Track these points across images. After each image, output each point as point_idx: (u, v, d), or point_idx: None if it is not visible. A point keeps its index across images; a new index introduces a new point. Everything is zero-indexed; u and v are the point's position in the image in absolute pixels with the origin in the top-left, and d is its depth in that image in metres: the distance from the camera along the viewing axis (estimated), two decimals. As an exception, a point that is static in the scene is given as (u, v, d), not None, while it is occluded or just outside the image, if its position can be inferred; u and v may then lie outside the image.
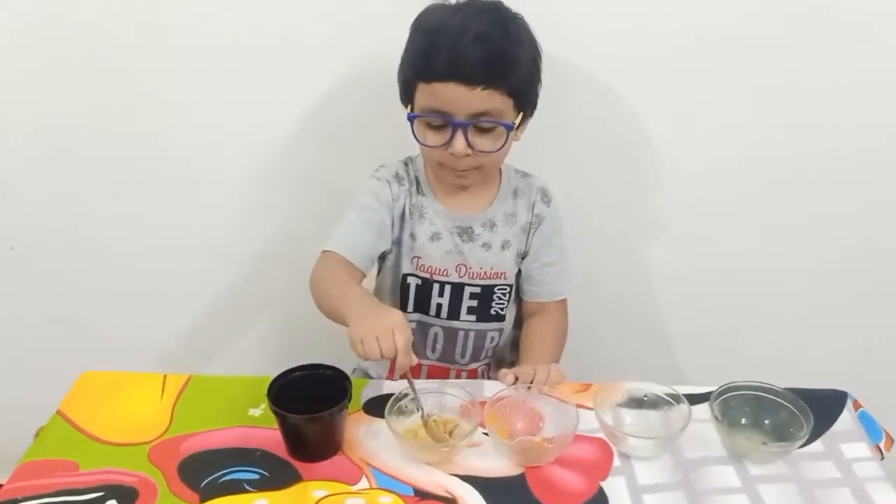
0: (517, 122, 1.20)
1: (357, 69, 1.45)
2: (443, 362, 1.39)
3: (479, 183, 1.29)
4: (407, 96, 1.21)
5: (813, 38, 1.40)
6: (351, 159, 1.46)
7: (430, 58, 1.15)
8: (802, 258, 1.61)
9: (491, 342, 1.38)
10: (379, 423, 1.09)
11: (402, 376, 1.09)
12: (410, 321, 1.35)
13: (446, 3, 1.20)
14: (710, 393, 1.12)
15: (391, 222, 1.30)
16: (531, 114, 1.24)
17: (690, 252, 1.62)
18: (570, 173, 1.49)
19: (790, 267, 1.62)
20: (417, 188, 1.32)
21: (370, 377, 1.41)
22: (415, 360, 1.04)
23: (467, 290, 1.33)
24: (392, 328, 1.02)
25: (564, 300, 1.39)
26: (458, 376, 1.40)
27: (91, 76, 1.46)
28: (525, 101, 1.21)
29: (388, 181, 1.30)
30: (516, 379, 1.17)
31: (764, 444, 1.05)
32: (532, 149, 1.27)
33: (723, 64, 1.43)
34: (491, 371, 1.43)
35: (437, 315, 1.35)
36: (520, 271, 1.37)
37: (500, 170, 1.34)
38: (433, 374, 1.40)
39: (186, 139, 1.53)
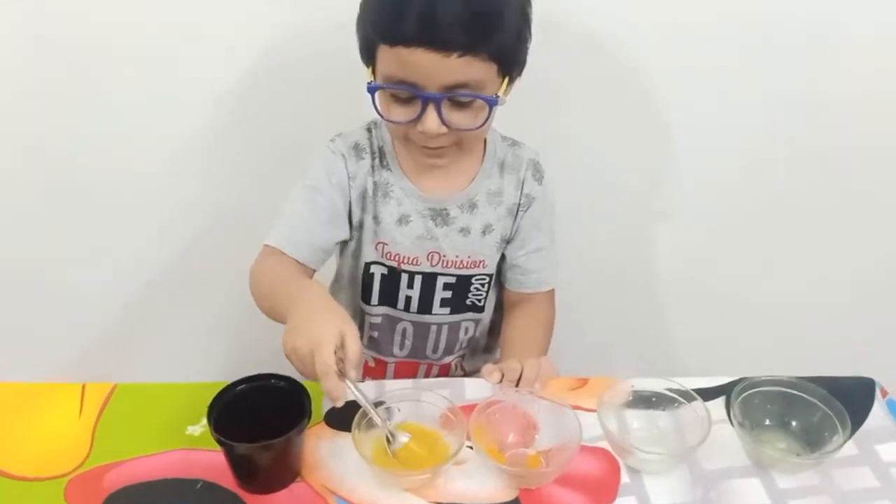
0: (502, 91, 0.98)
1: (309, 18, 1.24)
2: (412, 358, 1.23)
3: (457, 159, 1.07)
4: (368, 57, 0.99)
5: (843, 32, 1.27)
6: (307, 122, 1.27)
7: (393, 15, 0.92)
8: (806, 242, 1.51)
9: (466, 334, 1.22)
10: (344, 439, 0.92)
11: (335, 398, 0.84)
12: (376, 315, 1.18)
13: None
14: (721, 386, 1.01)
15: (347, 206, 1.10)
16: (519, 74, 1.02)
17: (693, 234, 1.50)
18: (564, 145, 1.31)
19: (793, 249, 1.52)
20: (381, 161, 1.11)
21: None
22: (341, 394, 0.82)
23: (441, 281, 1.15)
24: (321, 342, 0.81)
25: (552, 290, 1.22)
26: (428, 371, 1.25)
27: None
28: (511, 63, 0.99)
29: (343, 155, 1.09)
30: (502, 377, 1.02)
31: (798, 455, 0.91)
32: (520, 115, 1.09)
33: (750, 45, 1.29)
34: (465, 361, 1.27)
35: (407, 309, 1.17)
36: (503, 257, 1.19)
37: (484, 139, 1.13)
38: (400, 370, 1.24)
39: (112, 97, 1.32)
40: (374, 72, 0.98)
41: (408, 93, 0.96)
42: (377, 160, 1.11)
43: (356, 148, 1.10)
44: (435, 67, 0.92)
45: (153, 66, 1.28)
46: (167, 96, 1.31)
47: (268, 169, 1.36)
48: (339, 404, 0.83)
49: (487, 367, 1.04)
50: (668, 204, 1.48)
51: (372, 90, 0.98)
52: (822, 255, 1.52)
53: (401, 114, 0.98)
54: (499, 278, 1.22)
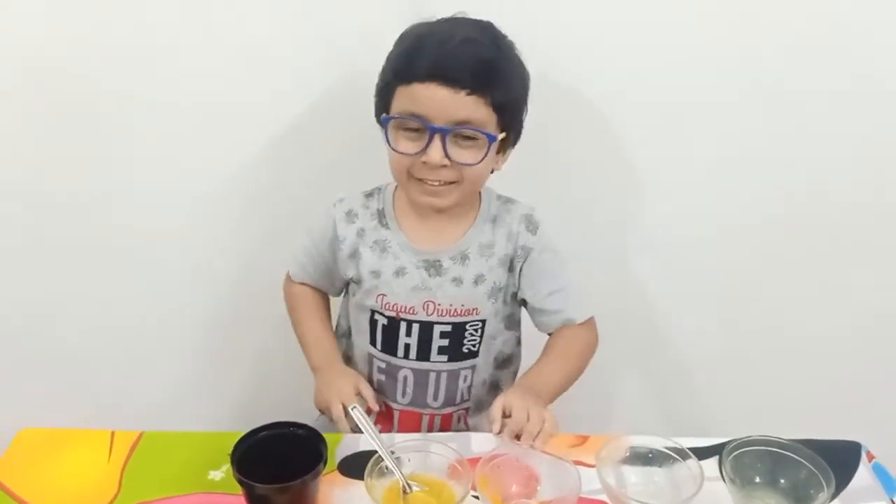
0: (500, 137, 1.11)
1: (339, 87, 1.37)
2: (414, 406, 1.28)
3: (453, 204, 1.17)
4: (383, 103, 1.12)
5: (815, 59, 1.35)
6: (330, 183, 1.35)
7: (412, 59, 1.07)
8: (802, 295, 1.56)
9: (464, 382, 1.27)
10: (356, 486, 0.97)
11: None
12: (381, 361, 1.26)
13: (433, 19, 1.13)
14: (716, 446, 1.05)
15: (336, 262, 1.26)
16: (514, 142, 1.16)
17: (688, 292, 1.56)
18: (555, 203, 1.36)
19: (789, 303, 1.57)
20: (381, 220, 1.22)
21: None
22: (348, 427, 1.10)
23: (437, 329, 1.22)
24: (335, 403, 1.14)
25: (589, 320, 1.27)
26: (431, 422, 1.29)
27: (50, 93, 1.34)
28: (510, 120, 1.12)
29: (335, 220, 1.23)
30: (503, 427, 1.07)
31: (785, 509, 0.96)
32: (515, 176, 1.21)
33: (719, 85, 1.38)
34: (469, 417, 1.32)
35: (406, 356, 1.24)
36: (525, 303, 1.27)
37: (479, 197, 1.24)
38: (404, 419, 1.29)
39: (144, 153, 1.40)
40: (387, 113, 1.11)
41: (417, 124, 1.08)
42: (375, 220, 1.22)
43: (349, 214, 1.23)
44: (445, 102, 1.05)
45: (170, 121, 1.38)
46: (187, 153, 1.41)
47: (287, 227, 1.42)
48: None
49: (492, 415, 1.08)
50: (662, 265, 1.54)
51: (385, 121, 1.11)
52: (821, 321, 1.57)
53: (408, 146, 1.10)
54: (503, 326, 1.28)
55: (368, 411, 1.16)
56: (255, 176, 1.44)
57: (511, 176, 1.22)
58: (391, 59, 1.12)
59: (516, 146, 1.19)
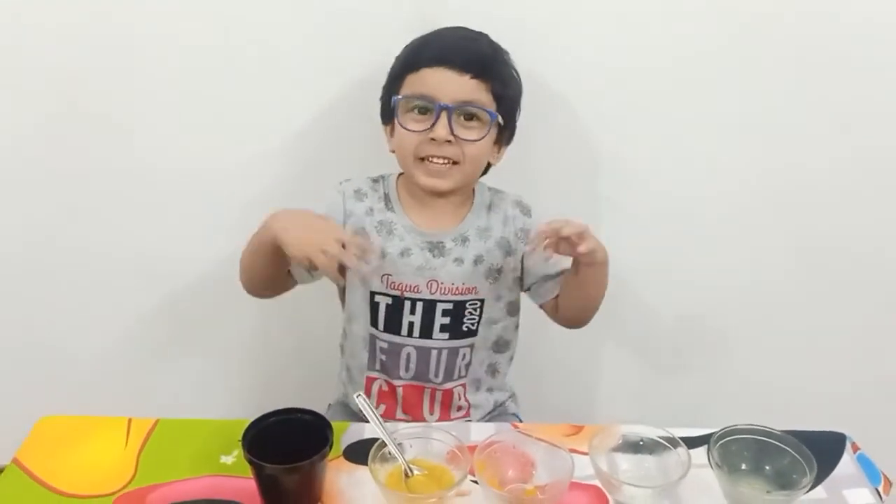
0: (500, 120, 1.22)
1: (341, 91, 1.44)
2: (416, 381, 1.34)
3: (454, 188, 1.25)
4: (392, 93, 1.23)
5: (812, 56, 1.41)
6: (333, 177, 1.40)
7: (420, 51, 1.21)
8: (791, 288, 1.59)
9: (462, 359, 1.34)
10: (361, 471, 1.02)
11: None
12: (383, 341, 1.32)
13: None
14: (706, 436, 1.08)
15: None
16: (508, 140, 1.28)
17: (679, 287, 1.59)
18: (549, 199, 1.44)
19: (779, 300, 1.60)
20: (387, 204, 1.30)
21: (351, 410, 1.35)
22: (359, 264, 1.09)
23: (439, 307, 1.29)
24: (333, 239, 1.06)
25: None
26: (432, 396, 1.35)
27: (50, 94, 1.41)
28: (506, 114, 1.24)
29: (344, 194, 1.29)
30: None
31: (768, 492, 1.00)
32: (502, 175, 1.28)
33: (700, 87, 1.45)
34: (467, 393, 1.36)
35: (410, 334, 1.30)
36: (539, 287, 1.32)
37: (473, 190, 1.33)
38: (407, 394, 1.34)
39: (148, 156, 1.47)
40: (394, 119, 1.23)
41: (426, 104, 1.19)
42: (382, 203, 1.30)
43: (357, 192, 1.30)
44: (451, 83, 1.18)
45: (170, 121, 1.45)
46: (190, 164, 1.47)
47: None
48: (366, 268, 1.19)
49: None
50: (652, 258, 1.57)
51: (396, 102, 1.22)
52: (817, 317, 1.61)
53: (417, 125, 1.21)
54: (505, 312, 1.34)
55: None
56: (262, 171, 1.51)
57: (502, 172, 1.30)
58: (400, 57, 1.25)
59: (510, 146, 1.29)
